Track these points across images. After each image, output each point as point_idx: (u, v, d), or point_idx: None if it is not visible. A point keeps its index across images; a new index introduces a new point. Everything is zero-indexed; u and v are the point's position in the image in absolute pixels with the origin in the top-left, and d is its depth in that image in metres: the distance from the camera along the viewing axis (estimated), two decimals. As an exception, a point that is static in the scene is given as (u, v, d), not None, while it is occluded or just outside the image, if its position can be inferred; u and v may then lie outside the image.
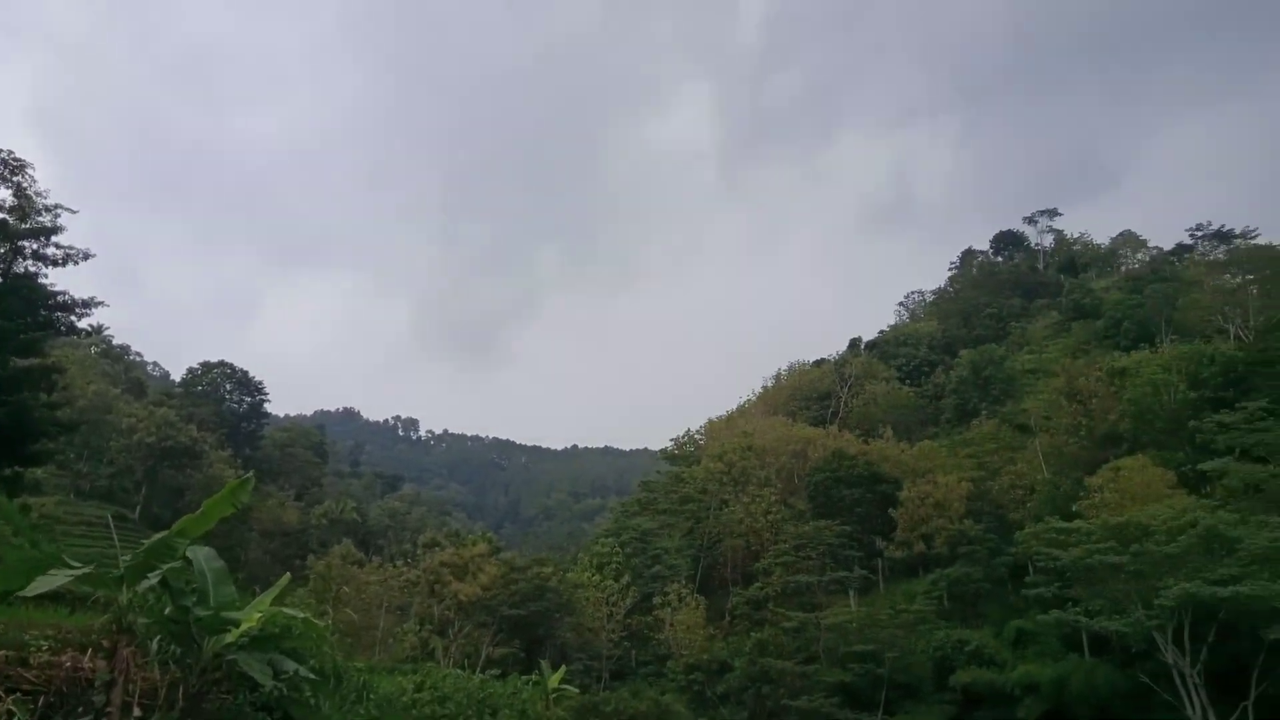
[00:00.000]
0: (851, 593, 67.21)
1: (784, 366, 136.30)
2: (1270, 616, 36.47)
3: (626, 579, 70.07)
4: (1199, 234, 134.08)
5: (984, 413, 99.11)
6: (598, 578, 70.31)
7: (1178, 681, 38.24)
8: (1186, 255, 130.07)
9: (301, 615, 10.44)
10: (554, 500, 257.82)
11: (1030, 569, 54.31)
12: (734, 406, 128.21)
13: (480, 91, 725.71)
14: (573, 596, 67.52)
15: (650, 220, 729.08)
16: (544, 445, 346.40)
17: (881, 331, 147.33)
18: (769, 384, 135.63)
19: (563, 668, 20.20)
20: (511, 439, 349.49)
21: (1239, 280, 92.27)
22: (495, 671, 32.78)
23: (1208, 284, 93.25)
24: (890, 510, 72.41)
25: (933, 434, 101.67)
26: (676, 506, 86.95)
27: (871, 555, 73.09)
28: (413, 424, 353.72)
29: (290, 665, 10.01)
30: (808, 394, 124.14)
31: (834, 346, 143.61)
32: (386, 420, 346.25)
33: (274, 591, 10.54)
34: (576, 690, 34.33)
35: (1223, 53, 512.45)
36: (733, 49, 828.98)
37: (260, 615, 9.68)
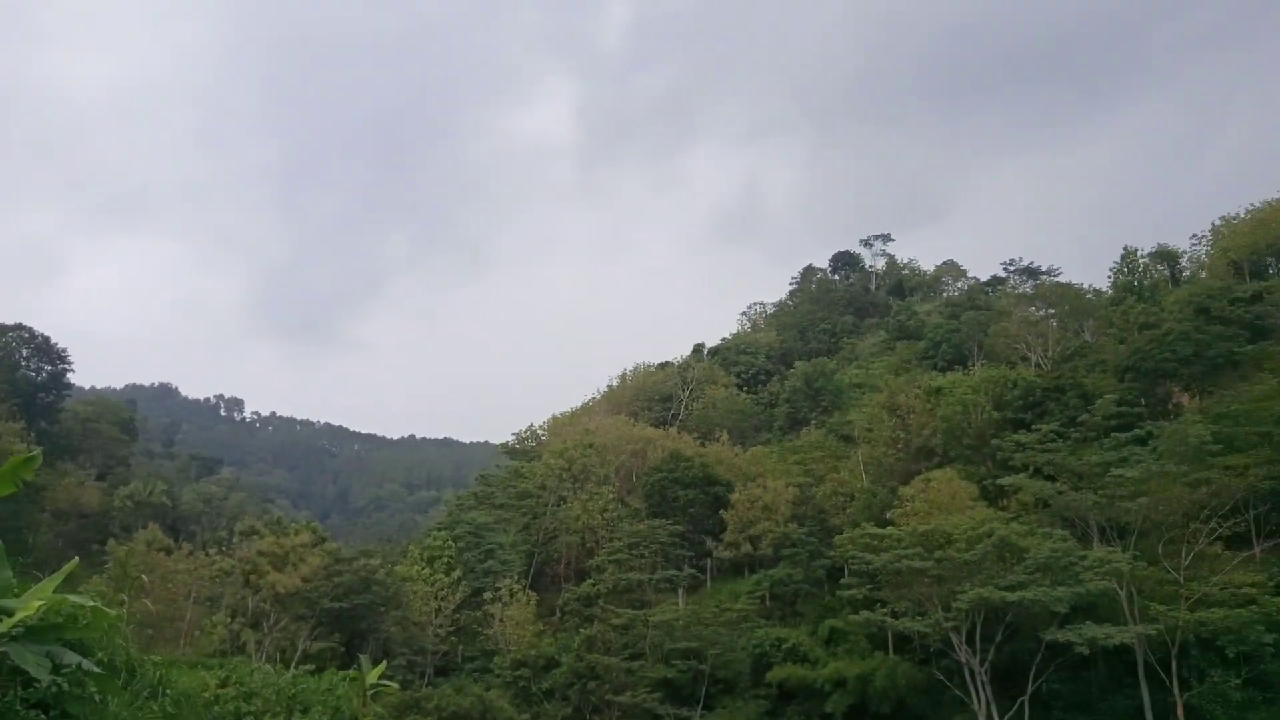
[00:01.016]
0: (680, 591, 68.86)
1: (629, 367, 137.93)
2: (1049, 619, 40.29)
3: (458, 573, 68.87)
4: (1011, 268, 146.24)
5: (813, 422, 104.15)
6: (427, 571, 68.69)
7: (967, 678, 41.55)
8: (999, 287, 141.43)
9: (90, 604, 9.60)
10: (386, 491, 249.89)
11: (846, 571, 57.46)
12: (579, 404, 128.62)
13: (331, 58, 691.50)
14: (400, 590, 65.65)
15: (505, 211, 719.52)
16: (380, 434, 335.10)
17: (724, 339, 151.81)
18: (614, 384, 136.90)
19: (383, 663, 19.54)
20: (345, 425, 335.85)
21: (1042, 313, 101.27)
22: (310, 667, 31.39)
23: (1015, 315, 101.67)
24: (721, 512, 74.72)
25: (765, 440, 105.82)
26: (514, 502, 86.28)
27: (701, 555, 75.16)
28: (237, 404, 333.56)
29: (73, 658, 9.18)
30: (651, 395, 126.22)
31: (678, 350, 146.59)
32: (208, 399, 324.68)
33: (59, 577, 9.61)
34: (397, 686, 33.42)
35: (1037, 106, 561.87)
36: (597, 48, 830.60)
37: (41, 603, 8.83)
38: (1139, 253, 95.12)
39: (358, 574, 63.00)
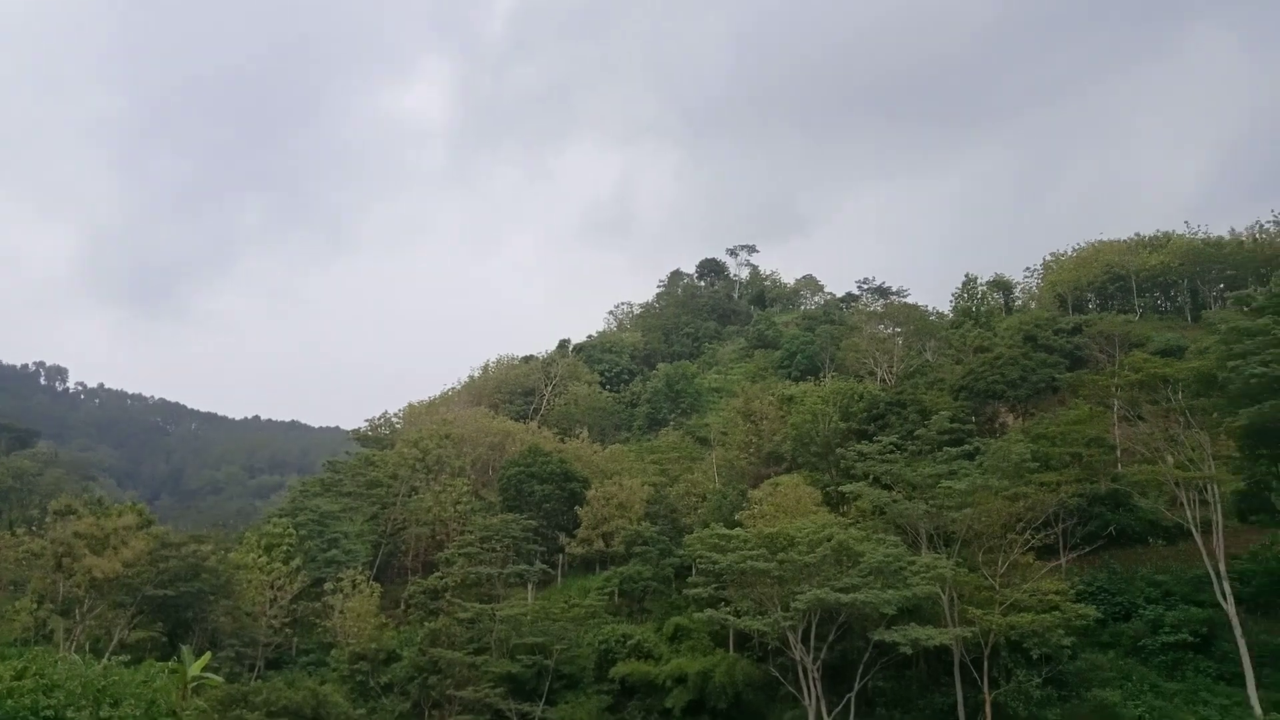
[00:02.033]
0: (530, 586, 68.52)
1: (493, 359, 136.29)
2: (878, 620, 42.56)
3: (297, 562, 66.01)
4: (865, 286, 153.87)
5: (672, 423, 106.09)
6: (264, 559, 65.46)
7: (800, 675, 43.34)
8: (853, 303, 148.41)
9: None
10: (224, 473, 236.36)
11: (694, 570, 58.77)
12: (437, 394, 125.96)
13: (193, 6, 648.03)
14: (233, 578, 62.32)
15: (372, 191, 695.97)
16: (221, 413, 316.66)
17: (590, 336, 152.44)
18: (476, 374, 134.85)
19: (207, 654, 18.39)
20: (182, 402, 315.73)
21: (890, 331, 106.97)
22: (126, 658, 29.31)
23: (866, 331, 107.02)
24: (577, 508, 74.90)
25: (625, 438, 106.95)
26: (363, 490, 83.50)
27: (554, 550, 75.05)
28: (59, 373, 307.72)
29: None
30: (513, 388, 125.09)
31: (544, 345, 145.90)
32: (25, 365, 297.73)
33: None
34: (221, 680, 31.69)
35: (897, 138, 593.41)
36: (479, 33, 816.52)
37: None
38: (978, 281, 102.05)
39: (186, 560, 59.36)
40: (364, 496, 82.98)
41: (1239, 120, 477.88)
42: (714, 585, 48.88)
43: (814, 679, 42.51)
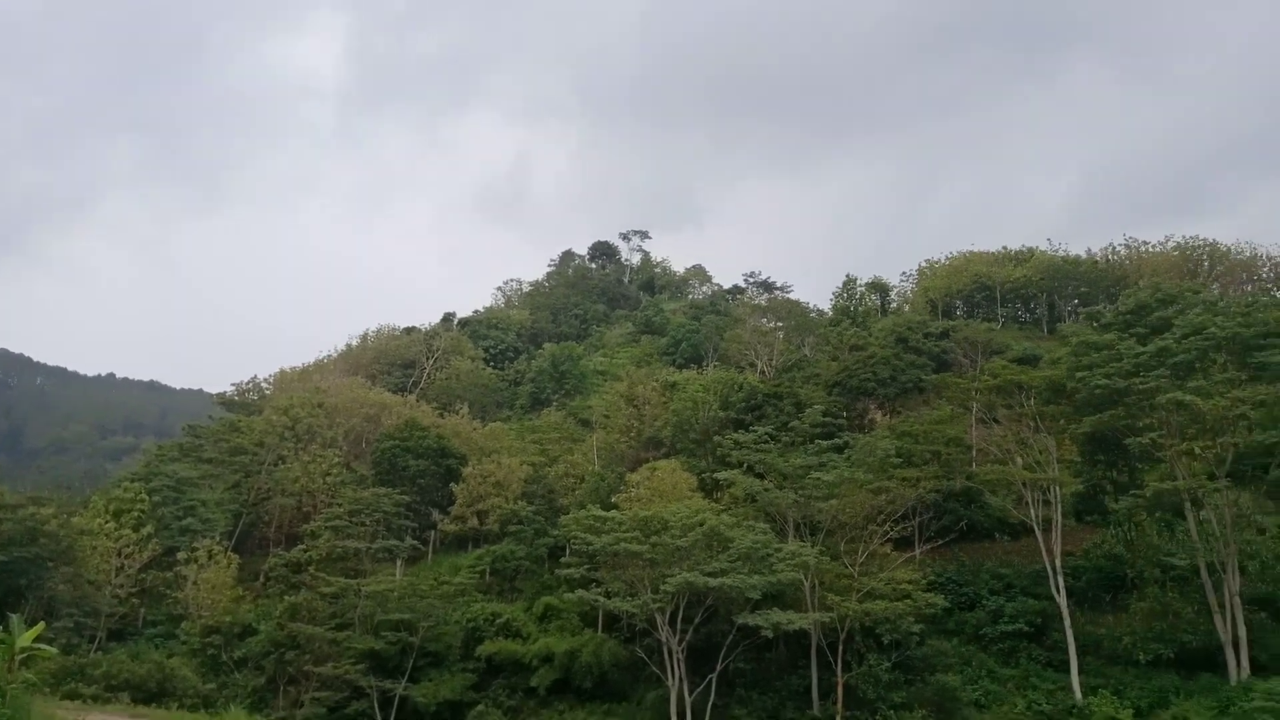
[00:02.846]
0: (400, 562, 67.16)
1: (373, 328, 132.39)
2: (743, 604, 43.84)
3: (149, 530, 62.53)
4: (751, 280, 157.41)
5: (555, 404, 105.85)
6: (112, 525, 61.70)
7: (665, 656, 44.21)
8: (739, 296, 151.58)
9: None
10: (72, 433, 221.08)
11: (568, 550, 58.97)
12: (312, 361, 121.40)
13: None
14: (76, 544, 58.44)
15: (253, 143, 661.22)
16: (72, 368, 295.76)
17: (476, 312, 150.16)
18: (354, 343, 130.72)
19: (41, 625, 17.11)
20: (27, 354, 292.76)
21: (772, 325, 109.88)
22: (-53, 626, 27.06)
23: (749, 324, 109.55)
24: (452, 485, 73.85)
25: (506, 417, 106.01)
26: (226, 457, 79.76)
27: (426, 527, 73.81)
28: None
29: None
30: (392, 360, 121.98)
31: (428, 318, 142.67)
32: None
33: None
34: (56, 651, 29.71)
35: (791, 139, 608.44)
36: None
37: None
38: (858, 282, 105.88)
39: (23, 523, 55.26)
40: (226, 464, 79.31)
41: (1104, 149, 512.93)
42: (587, 566, 49.19)
43: (678, 660, 43.44)
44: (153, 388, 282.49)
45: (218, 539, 65.07)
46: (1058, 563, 46.72)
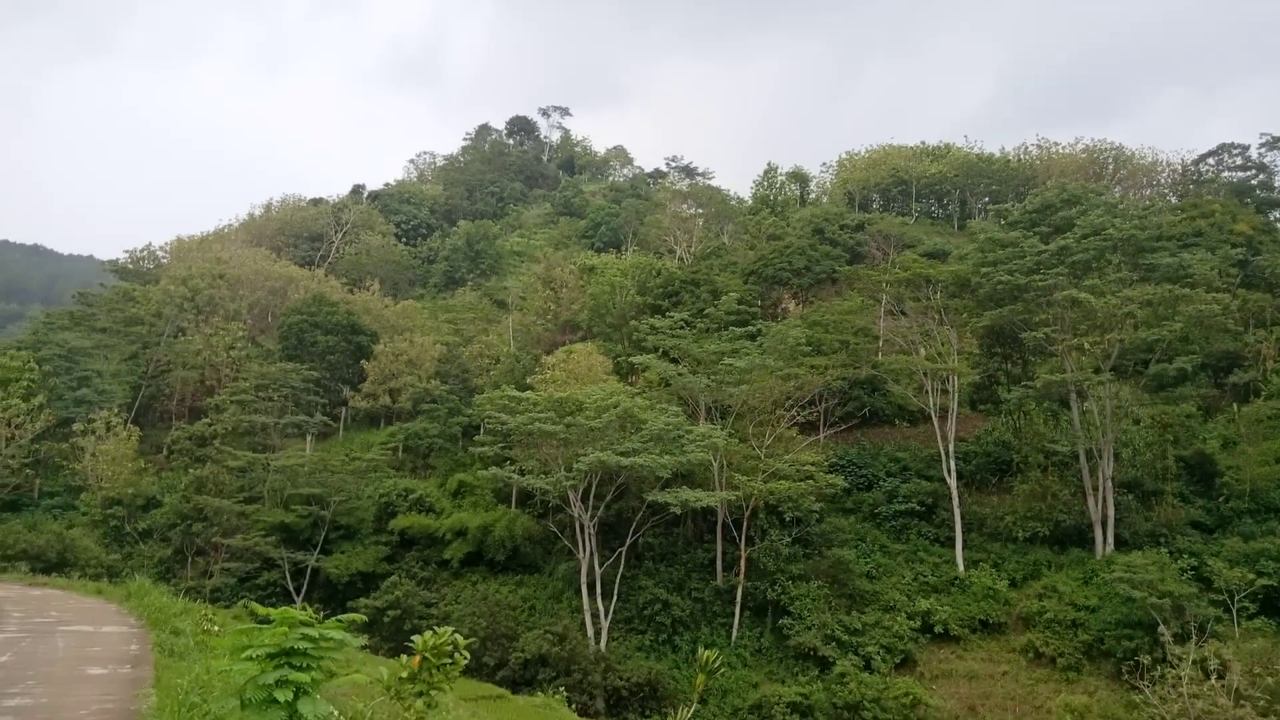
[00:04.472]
0: (309, 438, 66.46)
1: (277, 198, 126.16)
2: (653, 483, 45.22)
3: (40, 400, 59.93)
4: (673, 164, 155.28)
5: (470, 283, 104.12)
6: (0, 394, 58.90)
7: (578, 531, 45.54)
8: (660, 180, 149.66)
9: None
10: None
11: (482, 430, 59.26)
12: (211, 230, 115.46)
13: None
14: (-41, 414, 55.76)
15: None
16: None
17: (387, 184, 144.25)
18: (257, 213, 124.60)
19: (-73, 494, 16.15)
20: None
21: (692, 211, 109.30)
22: None
23: (669, 209, 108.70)
24: (363, 362, 72.66)
25: (419, 295, 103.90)
26: (121, 327, 76.28)
27: (337, 403, 72.84)
28: None
29: None
30: (298, 232, 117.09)
31: (335, 189, 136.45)
32: None
33: None
34: (-54, 522, 28.70)
35: (714, 19, 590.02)
36: None
37: None
38: (778, 171, 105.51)
39: (-101, 391, 52.27)
40: (122, 334, 75.94)
41: (1024, 49, 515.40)
42: (501, 445, 49.67)
43: (590, 535, 44.80)
44: (37, 252, 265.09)
45: (116, 411, 62.92)
46: (951, 448, 49.43)
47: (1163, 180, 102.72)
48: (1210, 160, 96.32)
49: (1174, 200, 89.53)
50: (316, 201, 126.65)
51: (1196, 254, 50.66)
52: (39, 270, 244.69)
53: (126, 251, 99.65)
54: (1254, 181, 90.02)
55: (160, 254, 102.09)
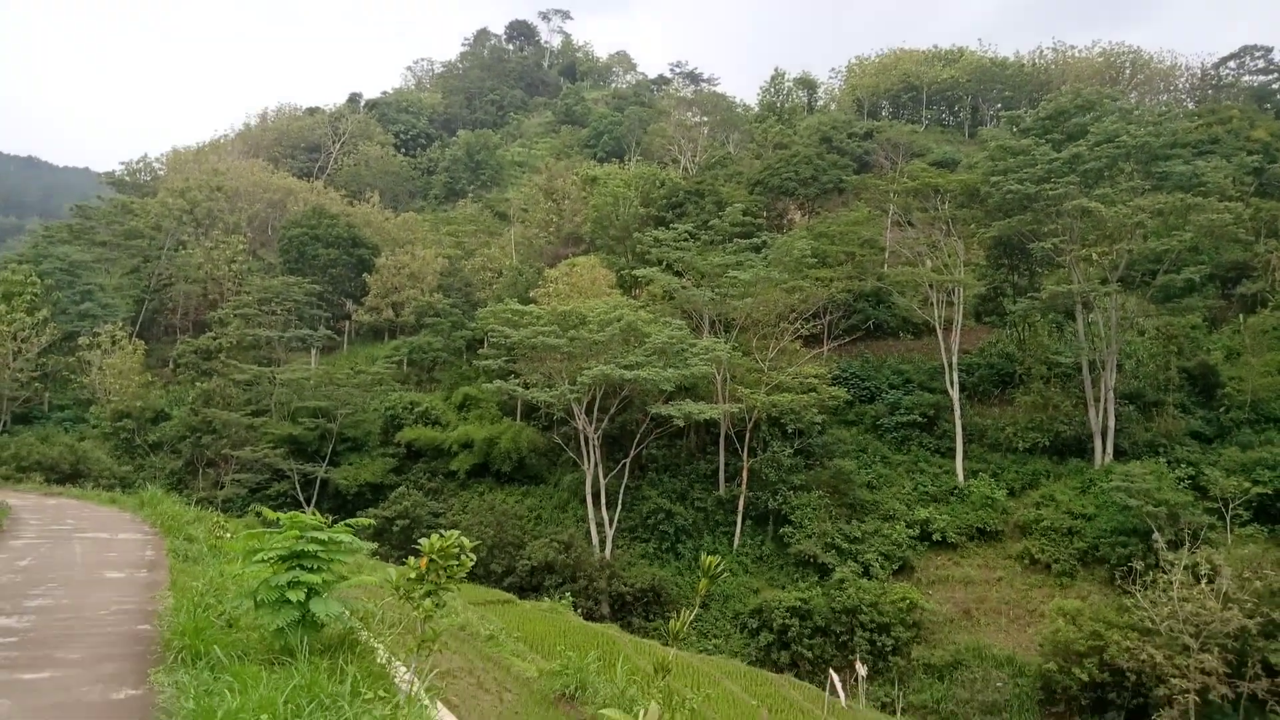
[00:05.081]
0: (314, 351, 66.71)
1: (272, 107, 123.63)
2: (657, 395, 45.52)
3: (44, 314, 59.98)
4: (677, 70, 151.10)
5: (470, 195, 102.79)
6: (3, 308, 58.93)
7: (582, 443, 46.08)
8: (664, 87, 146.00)
9: None
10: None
11: (486, 343, 59.35)
12: (207, 140, 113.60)
13: None
14: (-36, 328, 55.92)
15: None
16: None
17: (384, 93, 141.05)
18: (253, 123, 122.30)
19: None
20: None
21: (697, 119, 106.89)
22: None
23: (674, 117, 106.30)
24: (365, 275, 72.34)
25: (419, 207, 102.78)
26: (121, 240, 75.81)
27: (340, 317, 72.89)
28: None
29: None
30: (295, 142, 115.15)
31: (332, 97, 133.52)
32: None
33: None
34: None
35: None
36: None
37: None
38: (786, 77, 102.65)
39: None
40: (122, 248, 75.52)
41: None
42: (505, 358, 49.83)
43: (594, 447, 45.34)
44: (32, 164, 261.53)
45: (120, 325, 63.05)
46: (954, 359, 49.51)
47: (1181, 85, 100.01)
48: (1231, 64, 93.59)
49: (1191, 106, 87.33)
50: (313, 111, 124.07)
51: (1211, 162, 49.77)
52: (35, 182, 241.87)
53: (122, 163, 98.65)
54: (1275, 86, 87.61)
55: (156, 166, 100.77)
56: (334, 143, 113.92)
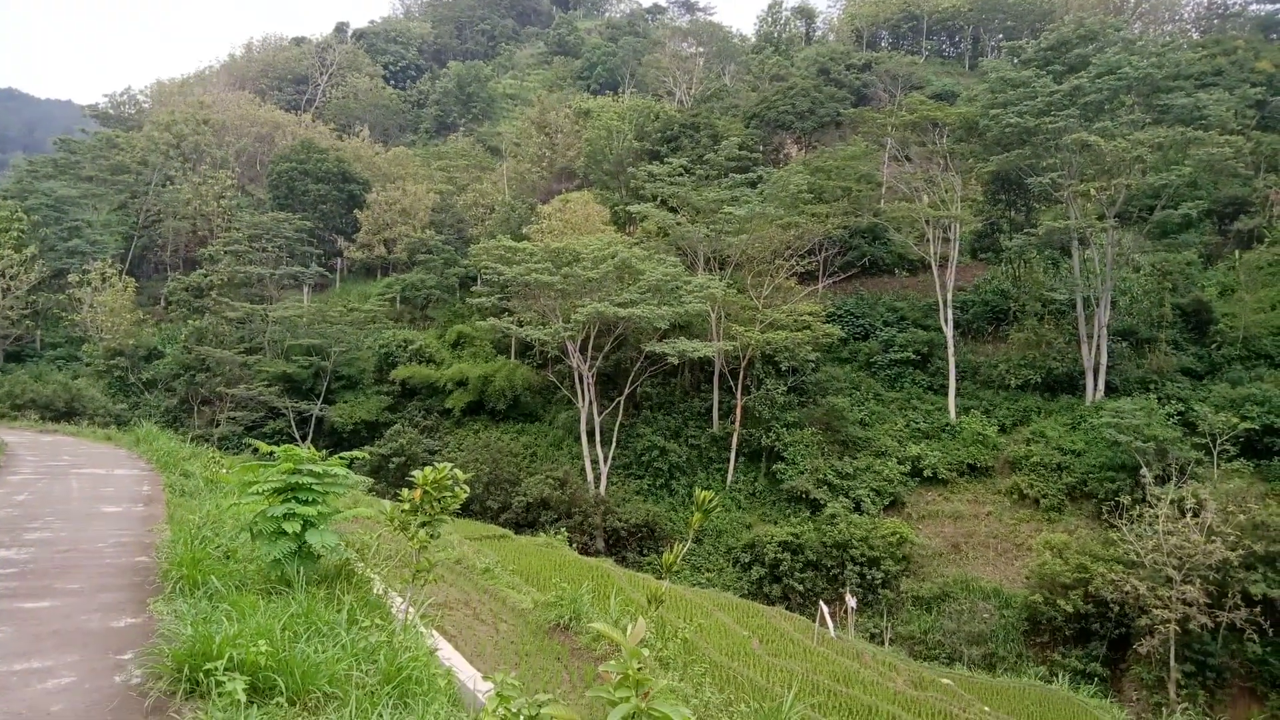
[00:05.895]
0: (306, 289, 66.34)
1: (257, 37, 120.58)
2: (651, 333, 45.49)
3: (32, 250, 59.37)
4: None
5: (462, 129, 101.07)
6: (-11, 246, 58.32)
7: (576, 381, 46.22)
8: (659, 16, 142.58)
9: None
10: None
11: (479, 280, 59.04)
12: (192, 71, 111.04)
13: None
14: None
15: None
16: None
17: (372, 22, 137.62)
18: (238, 54, 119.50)
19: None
20: None
21: (692, 50, 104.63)
22: None
23: (668, 48, 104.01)
24: (356, 211, 71.54)
25: (410, 141, 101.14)
26: (107, 175, 74.62)
27: (332, 254, 72.27)
28: None
29: None
30: (282, 74, 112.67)
31: (318, 27, 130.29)
32: None
33: None
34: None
35: None
36: None
37: None
38: (783, 5, 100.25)
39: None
40: (109, 183, 74.38)
41: None
42: (498, 296, 49.61)
43: (589, 384, 45.46)
44: (12, 96, 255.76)
45: (110, 262, 62.47)
46: (949, 296, 49.43)
47: (1186, 15, 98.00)
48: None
49: (1196, 36, 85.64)
50: (299, 41, 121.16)
51: (1213, 94, 48.90)
52: (16, 115, 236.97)
53: (106, 96, 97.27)
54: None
55: (141, 98, 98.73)
56: (321, 74, 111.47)
